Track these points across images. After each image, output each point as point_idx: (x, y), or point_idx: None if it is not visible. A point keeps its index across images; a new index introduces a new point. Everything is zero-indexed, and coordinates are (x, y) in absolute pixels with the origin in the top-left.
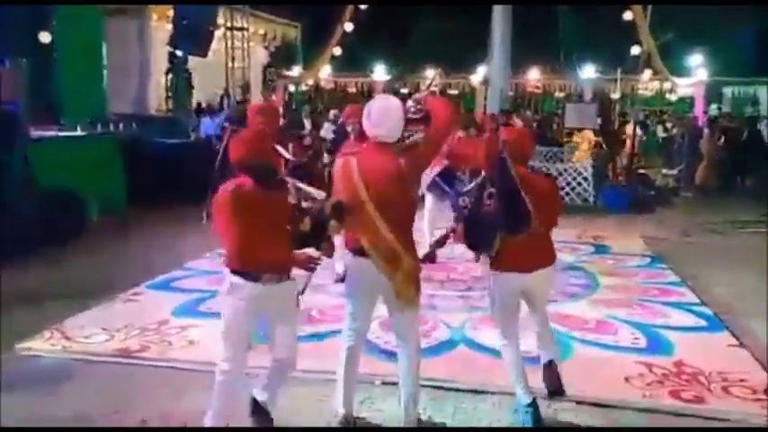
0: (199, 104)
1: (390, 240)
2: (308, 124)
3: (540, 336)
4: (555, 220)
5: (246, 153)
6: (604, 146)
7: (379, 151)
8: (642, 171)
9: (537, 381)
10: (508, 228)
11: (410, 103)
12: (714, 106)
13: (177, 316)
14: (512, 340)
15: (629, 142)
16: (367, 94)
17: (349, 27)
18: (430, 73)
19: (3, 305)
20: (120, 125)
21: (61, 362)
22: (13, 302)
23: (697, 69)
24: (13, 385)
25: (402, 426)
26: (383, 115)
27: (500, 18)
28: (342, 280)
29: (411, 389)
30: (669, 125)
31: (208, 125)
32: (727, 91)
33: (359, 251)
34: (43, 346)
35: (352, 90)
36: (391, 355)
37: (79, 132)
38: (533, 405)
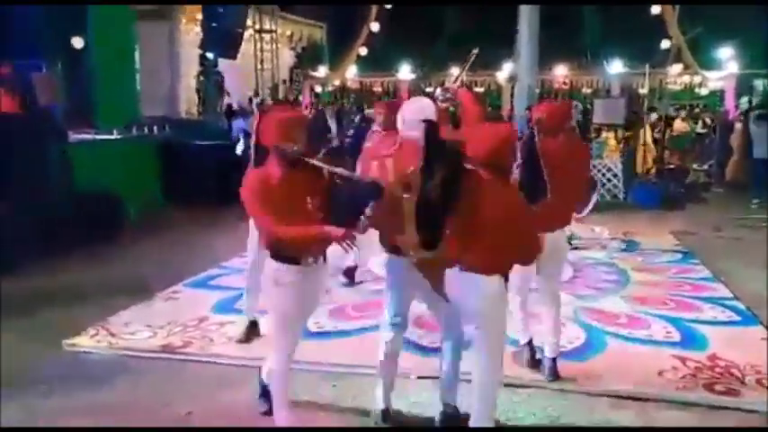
0: (229, 106)
1: None
2: (333, 125)
3: (548, 326)
4: (578, 190)
5: (498, 150)
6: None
7: (413, 151)
8: (674, 166)
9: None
10: (525, 196)
11: (439, 90)
12: (745, 99)
13: (216, 313)
14: (521, 297)
15: (653, 137)
16: (392, 94)
17: (375, 27)
18: (455, 71)
19: (46, 303)
20: (154, 128)
21: (107, 357)
22: (55, 301)
23: (727, 62)
24: (60, 380)
25: (439, 413)
26: (418, 117)
27: (528, 14)
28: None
29: (453, 379)
30: (708, 120)
31: (241, 126)
32: (758, 84)
33: (395, 249)
34: (89, 342)
35: (378, 90)
36: (425, 350)
37: (116, 135)
38: (530, 344)
